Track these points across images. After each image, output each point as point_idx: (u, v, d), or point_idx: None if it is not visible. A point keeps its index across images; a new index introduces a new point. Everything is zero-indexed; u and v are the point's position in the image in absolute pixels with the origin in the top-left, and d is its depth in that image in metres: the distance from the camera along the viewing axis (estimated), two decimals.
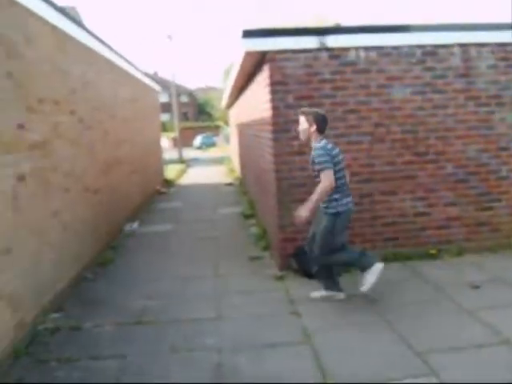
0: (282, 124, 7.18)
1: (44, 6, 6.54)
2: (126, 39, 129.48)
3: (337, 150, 5.90)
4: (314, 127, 5.91)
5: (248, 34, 7.36)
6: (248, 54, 7.64)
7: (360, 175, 7.38)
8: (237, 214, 12.14)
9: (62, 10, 7.38)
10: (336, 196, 5.80)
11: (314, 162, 5.81)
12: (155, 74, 76.97)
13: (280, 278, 7.01)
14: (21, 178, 5.56)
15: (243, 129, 15.00)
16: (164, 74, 76.43)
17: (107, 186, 9.69)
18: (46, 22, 6.67)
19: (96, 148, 8.99)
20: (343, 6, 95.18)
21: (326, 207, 5.89)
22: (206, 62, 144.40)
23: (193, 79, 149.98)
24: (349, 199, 5.93)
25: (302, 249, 6.96)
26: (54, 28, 7.00)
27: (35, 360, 5.08)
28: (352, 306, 5.96)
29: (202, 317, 5.92)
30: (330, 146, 5.85)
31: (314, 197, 5.68)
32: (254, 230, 10.09)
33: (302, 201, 7.17)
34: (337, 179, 5.74)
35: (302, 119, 6.01)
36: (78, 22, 8.37)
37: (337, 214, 5.83)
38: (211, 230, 10.73)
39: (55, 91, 6.93)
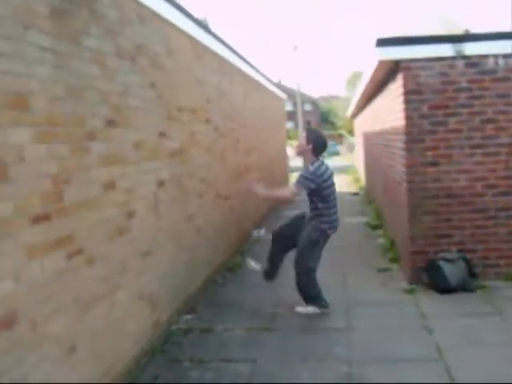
0: (415, 134, 7.04)
1: (183, 18, 6.82)
2: (251, 48, 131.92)
3: (328, 173, 6.28)
4: (310, 146, 6.26)
5: (382, 42, 7.30)
6: (381, 63, 7.57)
7: (496, 188, 7.07)
8: (363, 224, 12.01)
9: (199, 22, 7.67)
10: (325, 213, 6.30)
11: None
12: (279, 82, 77.81)
13: (410, 292, 6.87)
14: (161, 184, 5.82)
15: (370, 138, 14.85)
16: (288, 83, 77.02)
17: (237, 193, 9.92)
18: (184, 34, 6.95)
19: (227, 156, 9.24)
20: (470, 10, 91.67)
21: (315, 222, 6.35)
22: (329, 70, 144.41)
23: (316, 87, 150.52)
24: (334, 218, 6.44)
25: (435, 262, 6.80)
26: (191, 39, 7.28)
27: (169, 359, 5.29)
28: (490, 326, 5.70)
29: (332, 326, 5.93)
30: (322, 169, 6.21)
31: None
32: (382, 240, 9.95)
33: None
34: (326, 198, 6.24)
35: (304, 135, 6.43)
36: (214, 34, 8.64)
37: (323, 231, 6.34)
38: (337, 239, 10.61)
39: (193, 100, 7.20)
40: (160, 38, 6.02)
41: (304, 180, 6.16)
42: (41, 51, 3.58)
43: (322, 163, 6.28)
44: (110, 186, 4.53)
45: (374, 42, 7.32)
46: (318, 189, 6.17)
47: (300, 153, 6.52)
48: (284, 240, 6.77)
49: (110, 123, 4.59)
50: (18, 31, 3.35)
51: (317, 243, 6.43)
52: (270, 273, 6.97)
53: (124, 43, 4.99)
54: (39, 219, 3.46)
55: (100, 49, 4.48)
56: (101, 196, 4.36)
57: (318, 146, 6.31)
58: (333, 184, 6.39)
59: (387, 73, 8.47)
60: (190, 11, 7.08)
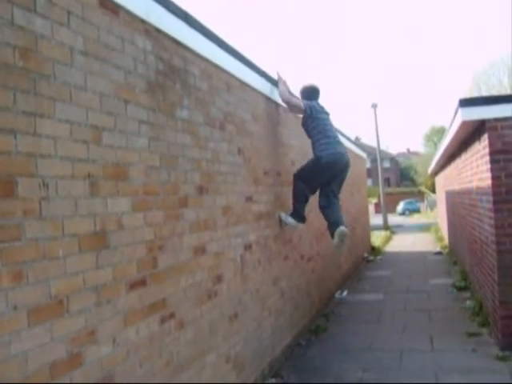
0: (503, 194, 6.89)
1: (268, 85, 7.04)
2: (331, 106, 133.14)
3: (321, 110, 7.38)
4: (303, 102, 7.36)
5: (465, 103, 7.29)
6: (464, 123, 7.52)
7: None
8: (448, 286, 11.67)
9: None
10: (317, 144, 7.21)
11: None
12: (357, 139, 77.86)
13: (502, 359, 6.57)
14: (248, 247, 5.91)
15: (453, 196, 14.57)
16: (366, 140, 76.96)
17: (319, 253, 9.91)
18: (269, 99, 7.15)
19: (310, 216, 9.26)
20: None
21: (313, 151, 7.31)
22: (406, 126, 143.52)
23: (394, 144, 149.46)
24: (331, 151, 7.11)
25: None
26: (276, 105, 7.47)
27: None
28: None
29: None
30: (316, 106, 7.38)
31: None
32: (469, 303, 9.62)
33: None
34: (317, 130, 7.23)
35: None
36: (295, 96, 8.82)
37: (318, 158, 7.14)
38: (423, 301, 10.44)
39: (278, 163, 7.34)
40: (246, 104, 6.23)
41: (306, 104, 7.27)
42: (139, 124, 3.78)
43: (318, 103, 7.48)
44: (200, 250, 4.65)
45: (457, 102, 7.31)
46: (311, 117, 7.24)
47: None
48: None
49: (201, 190, 4.74)
50: (119, 106, 3.56)
51: (313, 165, 7.22)
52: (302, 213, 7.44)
53: (213, 112, 5.20)
54: (136, 285, 3.59)
55: (192, 119, 4.68)
56: (191, 261, 4.48)
57: (307, 94, 7.58)
58: (325, 119, 7.41)
59: (471, 132, 8.39)
60: (273, 77, 7.30)
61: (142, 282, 3.68)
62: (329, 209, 7.32)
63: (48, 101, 2.88)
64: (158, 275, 3.89)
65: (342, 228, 7.06)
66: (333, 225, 7.20)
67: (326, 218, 7.38)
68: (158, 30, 4.19)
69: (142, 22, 3.95)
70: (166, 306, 3.99)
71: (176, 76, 4.46)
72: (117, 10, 3.63)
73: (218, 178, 5.16)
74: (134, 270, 3.59)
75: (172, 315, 4.08)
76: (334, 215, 7.29)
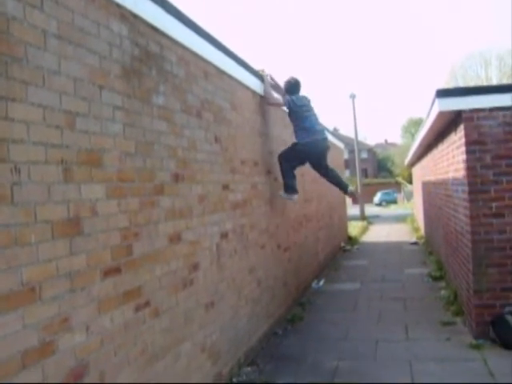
0: (478, 185, 6.94)
1: (245, 72, 7.00)
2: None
3: (302, 103, 8.14)
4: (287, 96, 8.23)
5: (442, 93, 7.32)
6: (441, 114, 7.55)
7: None
8: (424, 275, 11.77)
9: (260, 77, 7.84)
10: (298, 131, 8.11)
11: None
12: (335, 130, 77.96)
13: (476, 347, 6.64)
14: (224, 236, 5.90)
15: (430, 187, 14.68)
16: (344, 131, 77.18)
17: (296, 243, 9.93)
18: (247, 88, 7.13)
19: (288, 206, 9.29)
20: None
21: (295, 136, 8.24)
22: (384, 117, 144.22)
23: (372, 135, 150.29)
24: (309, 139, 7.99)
25: (502, 317, 6.61)
26: (253, 93, 7.44)
27: None
28: None
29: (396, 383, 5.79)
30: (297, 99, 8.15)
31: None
32: (444, 293, 9.71)
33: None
34: (297, 120, 8.11)
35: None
36: (276, 86, 8.80)
37: (296, 143, 8.14)
38: (398, 290, 10.52)
39: (255, 153, 7.33)
40: (224, 92, 6.19)
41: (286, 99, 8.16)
42: (113, 110, 3.74)
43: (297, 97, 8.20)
44: (175, 238, 4.62)
45: (434, 92, 7.34)
46: (291, 110, 8.12)
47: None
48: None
49: (177, 177, 4.71)
50: (94, 91, 3.51)
51: (293, 149, 8.18)
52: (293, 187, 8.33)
53: (190, 99, 5.16)
54: (110, 272, 3.56)
55: (168, 106, 4.64)
56: (167, 249, 4.45)
57: (289, 88, 8.32)
58: (305, 110, 8.12)
59: (448, 123, 8.43)
60: (251, 65, 7.27)
61: (117, 270, 3.64)
62: (330, 177, 8.68)
63: (20, 85, 2.83)
64: (133, 263, 3.86)
65: (350, 189, 8.87)
66: (341, 185, 8.85)
67: (333, 183, 8.88)
68: (134, 15, 4.14)
69: (118, 6, 3.90)
70: (141, 293, 3.97)
71: (152, 62, 4.41)
72: None
73: (195, 165, 5.13)
74: (109, 258, 3.56)
75: (147, 303, 4.06)
76: (336, 180, 8.77)
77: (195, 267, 5.04)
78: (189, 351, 4.81)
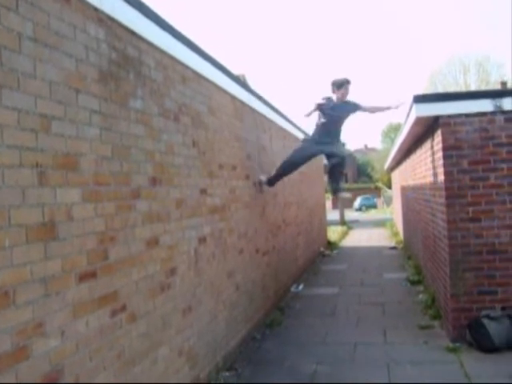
0: (455, 189, 7.01)
1: (224, 77, 7.00)
2: (288, 101, 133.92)
3: (332, 108, 8.25)
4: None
5: (420, 99, 7.38)
6: (419, 119, 7.61)
7: None
8: (402, 280, 11.85)
9: (239, 80, 7.86)
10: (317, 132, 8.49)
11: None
12: None
13: (453, 350, 6.70)
14: (202, 240, 5.89)
15: (408, 192, 14.78)
16: None
17: (275, 248, 9.94)
18: (225, 92, 7.13)
19: (267, 211, 9.30)
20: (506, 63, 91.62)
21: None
22: (364, 122, 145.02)
23: (352, 140, 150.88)
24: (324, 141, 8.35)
25: (478, 320, 6.67)
26: (232, 97, 7.45)
27: None
28: None
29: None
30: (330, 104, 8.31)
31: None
32: (422, 297, 9.79)
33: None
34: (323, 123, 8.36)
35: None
36: (252, 91, 8.83)
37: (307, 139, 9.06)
38: (377, 295, 10.57)
39: (233, 157, 7.33)
40: (202, 97, 6.19)
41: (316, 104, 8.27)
42: (90, 114, 3.72)
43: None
44: (152, 242, 4.61)
45: (412, 98, 7.40)
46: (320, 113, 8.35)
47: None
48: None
49: (154, 181, 4.70)
50: (70, 95, 3.50)
51: (303, 144, 9.08)
52: (272, 180, 9.03)
53: (168, 103, 5.15)
54: (86, 277, 3.54)
55: (145, 110, 4.63)
56: (144, 253, 4.44)
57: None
58: (332, 116, 8.25)
59: (425, 128, 8.50)
60: (229, 69, 7.28)
61: (93, 274, 3.62)
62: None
63: None
64: (109, 267, 3.84)
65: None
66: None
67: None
68: (112, 19, 4.13)
69: (95, 9, 3.89)
70: (117, 298, 3.95)
71: (130, 66, 4.40)
72: None
73: (172, 170, 5.12)
74: (84, 262, 3.53)
75: (123, 308, 4.04)
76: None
77: (173, 271, 5.03)
78: (166, 356, 4.80)
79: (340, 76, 8.78)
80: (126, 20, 4.33)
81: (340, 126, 8.50)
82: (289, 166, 8.89)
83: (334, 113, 8.22)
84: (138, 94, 4.50)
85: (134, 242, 4.27)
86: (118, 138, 4.09)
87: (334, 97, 8.32)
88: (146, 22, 4.67)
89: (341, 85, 8.28)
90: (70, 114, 3.47)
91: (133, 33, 4.47)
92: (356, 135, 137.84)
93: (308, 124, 8.93)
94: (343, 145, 8.38)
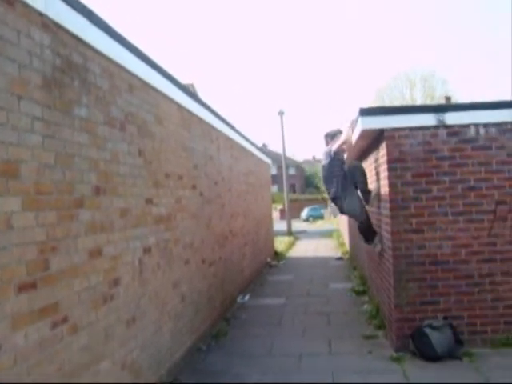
0: (399, 201, 7.13)
1: (171, 86, 6.97)
2: (237, 112, 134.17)
3: None
4: None
5: (366, 112, 7.48)
6: (364, 132, 7.71)
7: (480, 254, 7.13)
8: (348, 290, 11.96)
9: (187, 90, 7.83)
10: None
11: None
12: (264, 146, 78.49)
13: (397, 360, 6.78)
14: (147, 250, 5.82)
15: None
16: (273, 147, 77.98)
17: (222, 258, 9.91)
18: (173, 102, 7.09)
19: (213, 221, 9.27)
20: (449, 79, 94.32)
21: None
22: (312, 134, 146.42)
23: (300, 151, 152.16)
24: None
25: (421, 330, 6.78)
26: (179, 107, 7.41)
27: None
28: None
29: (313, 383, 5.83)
30: None
31: None
32: (367, 307, 9.90)
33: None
34: None
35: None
36: (201, 101, 8.81)
37: None
38: (323, 305, 10.63)
39: (180, 167, 7.28)
40: (149, 105, 6.14)
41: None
42: (32, 120, 3.64)
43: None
44: (95, 253, 4.53)
45: (358, 111, 7.50)
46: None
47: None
48: None
49: (98, 191, 4.62)
50: (12, 101, 3.41)
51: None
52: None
53: (114, 112, 5.09)
54: (25, 287, 3.44)
55: (90, 118, 4.56)
56: (86, 263, 4.35)
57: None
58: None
59: (371, 141, 8.63)
60: (177, 79, 7.24)
61: (33, 285, 3.53)
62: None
63: None
64: (50, 278, 3.75)
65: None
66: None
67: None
68: (57, 25, 4.06)
69: (40, 15, 3.83)
70: (58, 310, 3.85)
71: (75, 73, 4.33)
72: (12, 0, 3.49)
73: (117, 179, 5.05)
74: (24, 272, 3.44)
75: (65, 320, 3.95)
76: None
77: (116, 282, 4.94)
78: (108, 369, 4.70)
79: (332, 128, 8.59)
80: (72, 26, 4.27)
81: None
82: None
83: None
84: (82, 101, 4.42)
85: (77, 252, 4.18)
86: (61, 145, 4.01)
87: (329, 147, 8.12)
88: (93, 29, 4.62)
89: (334, 136, 8.28)
90: (11, 120, 3.39)
91: (79, 39, 4.40)
92: (304, 146, 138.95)
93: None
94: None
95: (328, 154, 7.99)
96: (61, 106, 4.05)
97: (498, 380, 5.89)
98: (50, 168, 3.84)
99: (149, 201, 5.95)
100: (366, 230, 8.44)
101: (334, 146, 7.86)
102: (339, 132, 8.29)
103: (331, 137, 8.30)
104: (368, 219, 8.34)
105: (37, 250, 3.60)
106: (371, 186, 8.73)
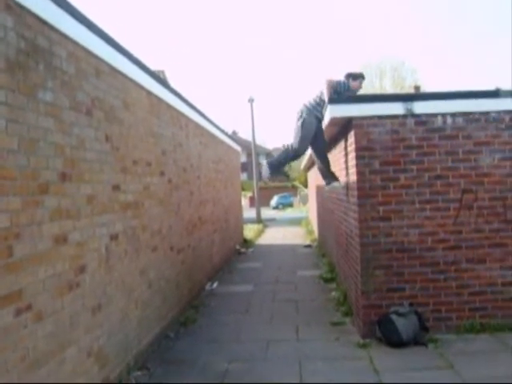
0: (367, 189, 7.18)
1: (140, 72, 6.90)
2: (207, 99, 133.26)
3: None
4: None
5: (334, 100, 7.50)
6: (333, 119, 7.73)
7: (446, 242, 7.23)
8: (316, 277, 12.04)
9: (156, 76, 7.75)
10: None
11: None
12: (234, 133, 78.17)
13: (363, 346, 6.86)
14: (114, 238, 5.77)
15: (323, 191, 15.02)
16: (243, 134, 77.68)
17: (190, 245, 9.88)
18: (141, 88, 7.02)
19: (182, 208, 9.23)
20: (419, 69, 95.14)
21: None
22: (283, 122, 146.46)
23: (270, 139, 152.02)
24: None
25: (387, 316, 6.85)
26: (148, 93, 7.34)
27: None
28: (442, 380, 5.71)
29: (285, 382, 5.86)
30: None
31: None
32: (335, 294, 9.97)
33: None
34: None
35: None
36: (170, 87, 8.74)
37: None
38: (291, 292, 10.69)
39: (148, 153, 7.22)
40: (116, 91, 6.06)
41: None
42: None
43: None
44: (61, 239, 4.47)
45: (327, 99, 7.51)
46: None
47: None
48: None
49: (64, 177, 4.56)
50: None
51: None
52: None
53: (80, 97, 5.01)
54: None
55: (56, 102, 4.48)
56: (51, 250, 4.30)
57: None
58: None
59: (340, 129, 8.66)
60: (147, 65, 7.17)
61: None
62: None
63: None
64: (14, 265, 3.70)
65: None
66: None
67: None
68: (22, 7, 3.97)
69: None
70: (22, 297, 3.81)
71: (40, 56, 4.25)
72: None
73: (83, 165, 4.99)
74: None
75: (29, 307, 3.90)
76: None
77: (82, 269, 4.90)
78: (74, 356, 4.67)
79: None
80: (38, 8, 4.20)
81: None
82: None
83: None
84: (48, 85, 4.35)
85: (41, 239, 4.13)
86: (25, 130, 3.94)
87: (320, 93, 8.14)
88: (58, 12, 4.54)
89: (356, 77, 8.17)
90: None
91: (44, 22, 4.32)
92: (274, 134, 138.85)
93: None
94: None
95: (308, 108, 8.10)
96: (25, 90, 3.98)
97: (462, 365, 5.99)
98: (14, 153, 3.78)
99: (116, 187, 5.89)
100: (326, 173, 8.79)
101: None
102: (361, 76, 8.27)
103: (353, 77, 8.15)
104: (328, 164, 8.77)
105: (0, 236, 3.54)
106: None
